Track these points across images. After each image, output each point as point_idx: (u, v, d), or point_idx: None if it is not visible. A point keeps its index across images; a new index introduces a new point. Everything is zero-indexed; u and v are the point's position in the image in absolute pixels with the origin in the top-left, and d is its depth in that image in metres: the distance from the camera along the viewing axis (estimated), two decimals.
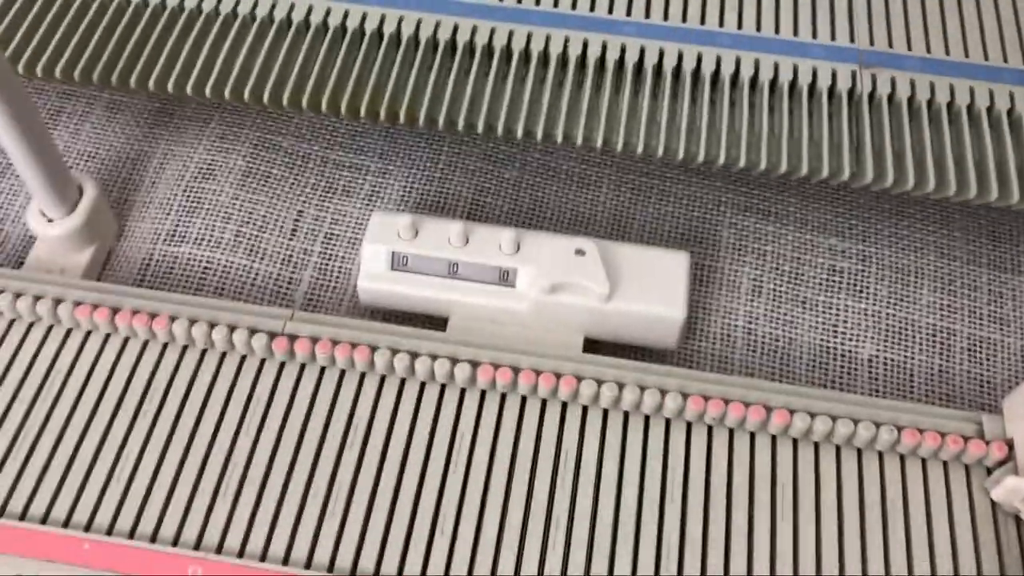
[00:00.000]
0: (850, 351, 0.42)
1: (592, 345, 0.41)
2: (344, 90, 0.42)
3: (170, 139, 0.48)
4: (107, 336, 0.39)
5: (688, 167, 0.47)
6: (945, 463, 0.36)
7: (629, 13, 0.45)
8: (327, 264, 0.44)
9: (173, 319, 0.38)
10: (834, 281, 0.44)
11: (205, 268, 0.43)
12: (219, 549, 0.34)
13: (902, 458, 0.36)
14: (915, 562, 0.34)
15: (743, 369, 0.41)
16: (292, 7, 0.44)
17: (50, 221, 0.42)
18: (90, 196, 0.42)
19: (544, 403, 0.37)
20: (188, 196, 0.46)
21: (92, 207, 0.42)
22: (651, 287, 0.39)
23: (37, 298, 0.38)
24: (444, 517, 0.35)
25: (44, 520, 0.34)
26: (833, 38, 0.44)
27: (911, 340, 0.42)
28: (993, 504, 0.35)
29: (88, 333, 0.39)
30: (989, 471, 0.36)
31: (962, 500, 0.36)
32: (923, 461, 0.36)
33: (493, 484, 0.35)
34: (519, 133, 0.41)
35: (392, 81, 0.42)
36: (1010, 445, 0.36)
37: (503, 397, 0.38)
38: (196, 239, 0.44)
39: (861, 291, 0.43)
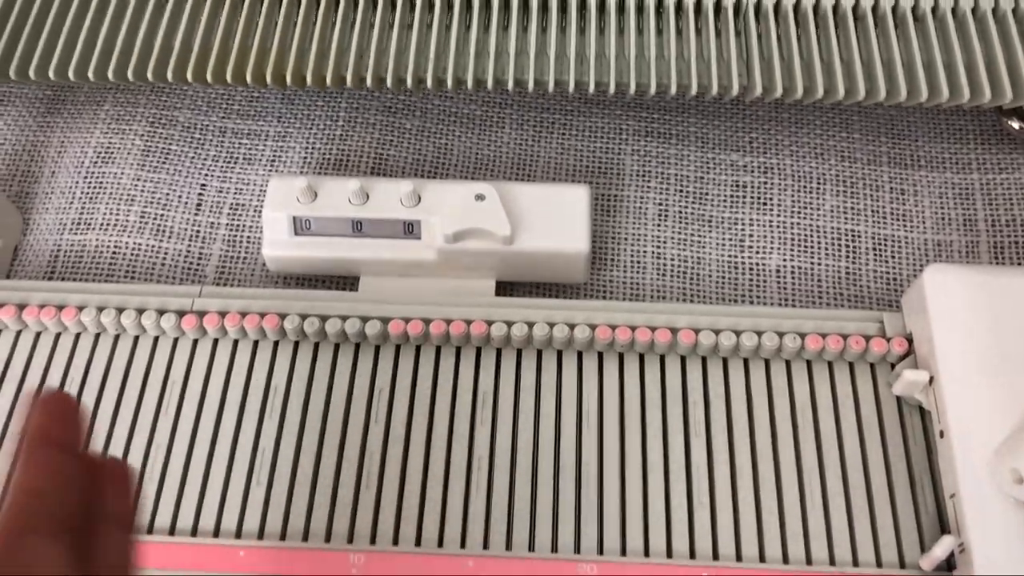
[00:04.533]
0: (758, 264, 0.43)
1: (506, 288, 0.41)
2: (228, 57, 0.41)
3: (65, 126, 0.47)
4: (18, 333, 0.39)
5: (586, 98, 0.47)
6: (851, 364, 0.37)
7: None
8: (235, 235, 0.44)
9: (81, 308, 0.38)
10: (738, 196, 0.44)
11: (114, 253, 0.43)
12: (149, 530, 0.34)
13: (809, 364, 0.37)
14: (825, 462, 0.35)
15: (654, 293, 0.42)
16: None
17: None
18: None
19: (459, 350, 0.38)
20: (89, 182, 0.45)
21: None
22: (553, 224, 0.40)
23: None
24: (368, 474, 0.35)
25: None
26: None
27: (817, 246, 0.43)
28: (899, 399, 0.36)
29: None
30: (893, 367, 0.37)
31: (869, 397, 0.37)
32: (829, 364, 0.37)
33: (414, 434, 0.36)
34: (409, 82, 0.41)
35: (276, 41, 0.42)
36: (909, 340, 0.37)
37: (418, 349, 0.38)
38: (102, 225, 0.44)
39: (765, 203, 0.44)
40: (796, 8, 0.42)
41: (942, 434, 0.34)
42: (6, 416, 0.36)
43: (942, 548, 0.31)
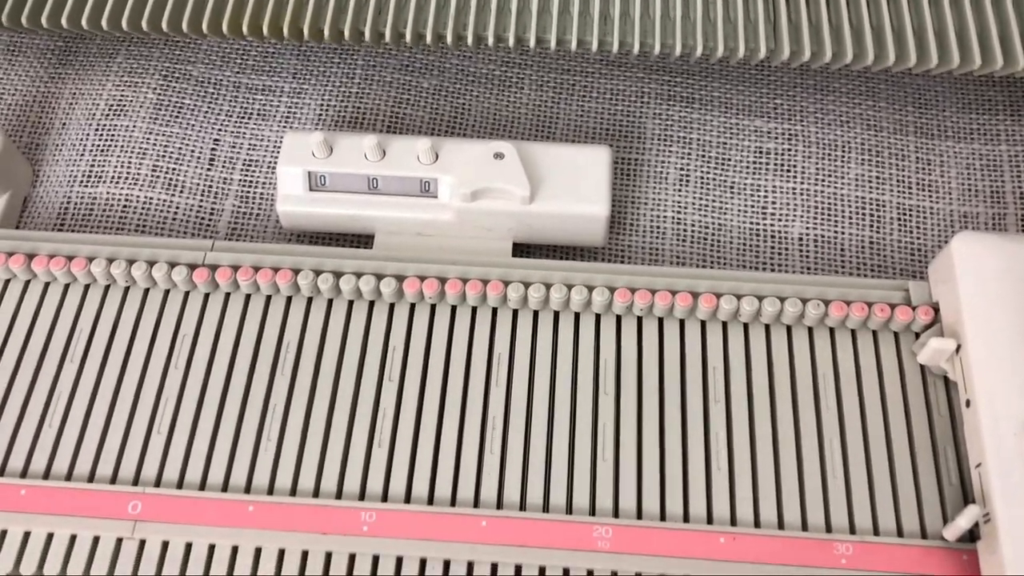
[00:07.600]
0: (780, 231, 0.42)
1: (524, 250, 0.41)
2: (244, 9, 0.40)
3: (76, 78, 0.46)
4: (27, 283, 0.38)
5: (607, 60, 0.46)
6: (874, 332, 0.37)
7: None
8: (248, 192, 0.43)
9: (91, 260, 0.37)
10: (761, 163, 0.43)
11: (124, 207, 0.43)
12: (157, 483, 0.34)
13: (832, 331, 0.37)
14: (847, 430, 0.34)
15: (674, 259, 0.41)
16: None
17: None
18: None
19: (474, 310, 0.37)
20: (100, 134, 0.44)
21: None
22: (573, 186, 0.39)
23: None
24: (381, 431, 0.35)
25: None
26: None
27: (841, 215, 0.42)
28: (923, 368, 0.36)
29: (7, 281, 0.38)
30: (918, 336, 0.36)
31: (892, 366, 0.36)
32: (853, 332, 0.37)
33: (428, 393, 0.35)
34: (428, 38, 0.40)
35: None
36: (936, 309, 0.36)
37: (433, 308, 0.37)
38: (113, 178, 0.43)
39: (789, 170, 0.43)
40: None
41: (968, 403, 0.33)
42: (14, 365, 0.36)
43: (967, 518, 0.31)
